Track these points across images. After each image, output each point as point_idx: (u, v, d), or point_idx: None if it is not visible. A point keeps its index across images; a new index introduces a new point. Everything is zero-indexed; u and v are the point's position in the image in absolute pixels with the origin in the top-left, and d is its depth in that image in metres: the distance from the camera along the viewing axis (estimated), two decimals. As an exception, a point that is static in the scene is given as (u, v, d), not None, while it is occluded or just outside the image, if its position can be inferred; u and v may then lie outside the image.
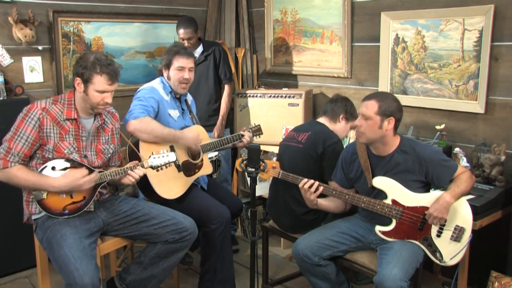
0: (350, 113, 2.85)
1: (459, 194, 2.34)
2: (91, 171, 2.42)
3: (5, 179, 2.33)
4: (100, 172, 2.44)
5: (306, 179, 2.50)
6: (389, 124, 2.37)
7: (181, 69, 2.89)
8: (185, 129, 2.88)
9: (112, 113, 2.64)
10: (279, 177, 2.57)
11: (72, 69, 2.48)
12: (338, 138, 2.76)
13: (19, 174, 2.30)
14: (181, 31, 3.59)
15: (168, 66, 2.91)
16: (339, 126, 2.84)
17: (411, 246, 2.38)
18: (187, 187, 2.82)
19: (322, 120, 2.87)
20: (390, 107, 2.37)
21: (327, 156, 2.69)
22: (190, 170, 2.86)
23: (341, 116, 2.83)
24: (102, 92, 2.38)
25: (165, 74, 2.94)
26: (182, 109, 3.02)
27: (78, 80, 2.38)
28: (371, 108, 2.37)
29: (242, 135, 3.11)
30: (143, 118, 2.67)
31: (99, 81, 2.36)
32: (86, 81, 2.36)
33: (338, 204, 2.63)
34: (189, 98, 3.15)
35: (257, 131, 3.28)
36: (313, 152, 2.70)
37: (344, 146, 2.76)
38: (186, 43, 3.61)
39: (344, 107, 2.84)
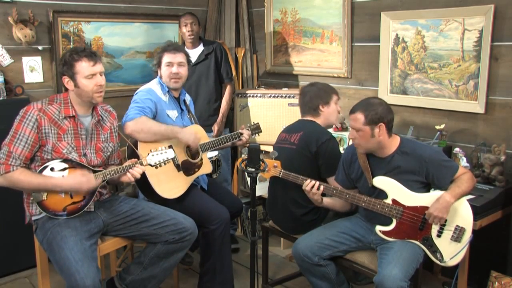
0: (325, 96, 2.77)
1: (459, 194, 2.34)
2: (92, 171, 2.42)
3: (7, 184, 2.32)
4: (99, 171, 2.44)
5: (308, 180, 2.51)
6: (380, 130, 2.37)
7: (169, 65, 2.91)
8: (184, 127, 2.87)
9: (109, 111, 2.64)
10: (280, 176, 2.56)
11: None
12: (331, 135, 2.74)
13: (22, 177, 2.29)
14: (185, 16, 3.65)
15: (159, 64, 2.95)
16: (324, 116, 2.79)
17: (411, 246, 2.38)
18: (187, 186, 2.82)
19: (308, 117, 2.83)
20: (376, 113, 2.36)
21: (321, 155, 2.68)
22: (189, 170, 2.85)
23: (320, 107, 2.78)
24: (91, 76, 2.38)
25: (159, 73, 2.97)
26: (181, 109, 3.02)
27: (65, 78, 2.41)
28: (358, 120, 2.38)
29: (241, 134, 3.11)
30: (138, 119, 2.68)
31: (82, 67, 2.37)
32: (72, 75, 2.38)
33: (343, 202, 2.63)
34: (188, 98, 3.16)
35: (256, 129, 3.27)
36: (307, 152, 2.69)
37: (345, 147, 2.76)
38: (189, 28, 3.63)
39: (315, 97, 2.78)
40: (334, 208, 2.64)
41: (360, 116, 2.38)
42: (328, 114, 2.80)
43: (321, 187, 2.50)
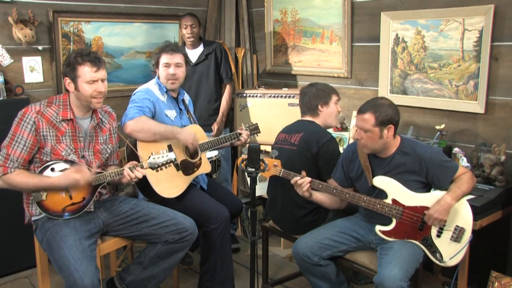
0: (324, 96, 2.77)
1: (460, 196, 2.34)
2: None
3: (5, 186, 2.34)
4: (99, 172, 2.44)
5: (297, 177, 2.50)
6: (389, 132, 2.36)
7: (166, 66, 2.91)
8: (183, 127, 2.87)
9: (109, 112, 2.65)
10: (281, 175, 2.56)
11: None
12: (331, 136, 2.74)
13: (19, 178, 2.30)
14: (185, 18, 3.66)
15: (157, 64, 2.95)
16: (323, 116, 2.79)
17: (411, 246, 2.38)
18: (186, 185, 2.82)
19: (308, 118, 2.83)
20: (387, 115, 2.34)
21: (322, 156, 2.68)
22: (188, 169, 2.85)
23: (318, 107, 2.78)
24: (92, 82, 2.37)
25: (157, 73, 2.97)
26: (180, 109, 3.02)
27: (67, 80, 2.40)
28: (368, 121, 2.35)
29: (240, 134, 3.11)
30: (138, 118, 2.68)
31: (84, 72, 2.36)
32: (74, 78, 2.37)
33: (333, 200, 2.62)
34: (187, 98, 3.16)
35: (255, 129, 3.27)
36: (308, 153, 2.69)
37: (345, 146, 2.76)
38: (189, 30, 3.64)
39: (314, 97, 2.77)
40: (323, 203, 2.63)
41: (370, 117, 2.35)
42: (327, 114, 2.80)
43: (307, 185, 2.50)
